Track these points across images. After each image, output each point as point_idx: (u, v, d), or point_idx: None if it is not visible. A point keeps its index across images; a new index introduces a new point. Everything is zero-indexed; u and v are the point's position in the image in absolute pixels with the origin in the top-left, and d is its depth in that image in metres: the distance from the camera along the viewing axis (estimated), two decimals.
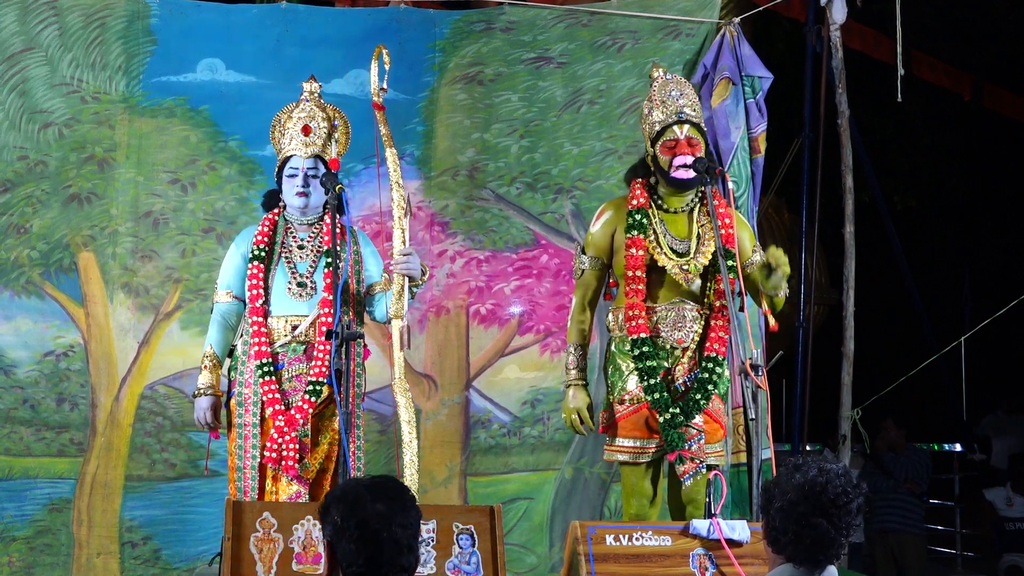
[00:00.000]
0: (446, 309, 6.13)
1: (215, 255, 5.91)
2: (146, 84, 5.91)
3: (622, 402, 4.63)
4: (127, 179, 5.90)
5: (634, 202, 4.69)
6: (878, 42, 8.88)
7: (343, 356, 4.39)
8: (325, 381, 4.51)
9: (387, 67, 4.71)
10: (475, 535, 4.08)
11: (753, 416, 4.34)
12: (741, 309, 4.58)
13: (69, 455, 5.76)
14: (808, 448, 6.68)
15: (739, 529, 4.11)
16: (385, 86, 4.72)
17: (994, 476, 11.07)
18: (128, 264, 5.87)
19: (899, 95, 6.14)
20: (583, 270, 4.80)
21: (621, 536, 4.09)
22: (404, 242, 4.57)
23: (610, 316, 4.78)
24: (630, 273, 4.61)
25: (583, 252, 4.81)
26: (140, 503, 5.77)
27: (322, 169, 4.73)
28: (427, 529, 4.03)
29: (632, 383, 4.60)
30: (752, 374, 4.30)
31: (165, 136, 5.94)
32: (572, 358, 4.76)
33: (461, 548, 4.06)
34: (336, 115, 4.91)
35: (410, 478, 4.39)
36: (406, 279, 4.59)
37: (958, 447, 10.21)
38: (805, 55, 6.55)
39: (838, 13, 6.12)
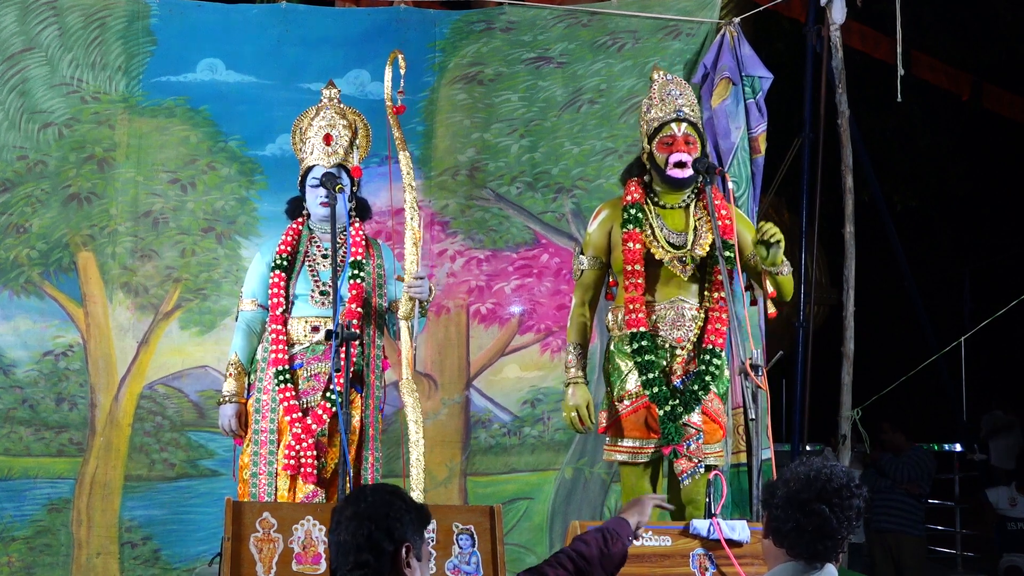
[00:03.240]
0: (446, 308, 6.12)
1: (215, 255, 5.92)
2: (146, 84, 5.91)
3: (621, 401, 4.63)
4: (127, 179, 5.90)
5: (629, 198, 4.70)
6: (878, 42, 8.87)
7: (344, 356, 4.39)
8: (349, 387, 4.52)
9: (403, 71, 4.73)
10: (475, 535, 4.07)
11: (753, 416, 4.34)
12: (753, 304, 4.55)
13: (68, 455, 5.75)
14: (808, 448, 6.67)
15: (739, 529, 4.10)
16: (401, 90, 4.74)
17: (991, 476, 11.07)
18: (127, 264, 5.87)
19: (899, 95, 6.14)
20: (582, 270, 4.81)
21: None
22: (417, 264, 4.59)
23: (610, 315, 4.79)
24: (629, 267, 4.61)
25: (581, 253, 4.83)
26: (139, 503, 5.76)
27: (345, 178, 4.75)
28: (427, 529, 4.02)
29: (631, 382, 4.59)
30: (752, 374, 4.30)
31: (165, 136, 5.94)
32: (572, 356, 4.77)
33: (461, 548, 4.05)
34: (357, 120, 4.92)
35: (416, 478, 4.39)
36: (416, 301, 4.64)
37: (958, 447, 10.19)
38: (805, 55, 6.55)
39: (838, 13, 6.11)
